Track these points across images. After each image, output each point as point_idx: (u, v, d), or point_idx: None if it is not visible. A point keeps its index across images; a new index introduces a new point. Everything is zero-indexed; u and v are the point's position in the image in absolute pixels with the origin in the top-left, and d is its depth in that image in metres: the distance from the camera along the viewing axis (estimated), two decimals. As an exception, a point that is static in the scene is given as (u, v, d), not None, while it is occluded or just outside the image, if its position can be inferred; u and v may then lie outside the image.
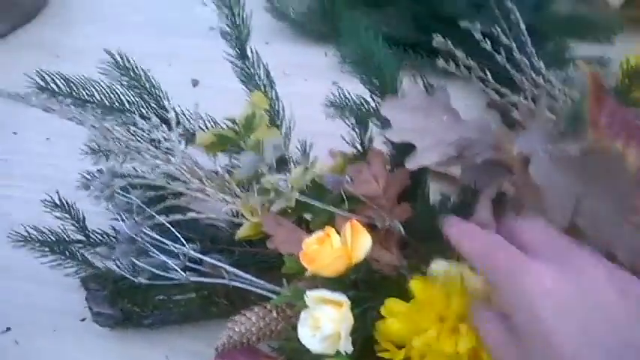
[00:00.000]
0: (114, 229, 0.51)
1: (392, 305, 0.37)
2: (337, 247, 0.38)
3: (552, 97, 0.59)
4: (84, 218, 0.52)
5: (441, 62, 0.56)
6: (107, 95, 0.49)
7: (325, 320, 0.36)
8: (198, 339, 0.50)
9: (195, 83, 0.70)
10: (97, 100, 0.49)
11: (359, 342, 0.38)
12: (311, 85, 0.69)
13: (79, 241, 0.51)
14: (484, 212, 0.40)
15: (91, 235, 0.51)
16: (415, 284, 0.37)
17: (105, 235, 0.51)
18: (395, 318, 0.36)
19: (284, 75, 0.68)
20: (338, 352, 0.37)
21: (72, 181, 0.54)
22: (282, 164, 0.49)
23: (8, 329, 0.54)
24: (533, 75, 0.59)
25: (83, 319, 0.53)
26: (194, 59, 0.71)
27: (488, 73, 0.57)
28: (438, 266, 0.39)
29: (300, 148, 0.52)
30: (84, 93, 0.48)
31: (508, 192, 0.41)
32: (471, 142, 0.42)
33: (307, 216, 0.45)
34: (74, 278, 0.51)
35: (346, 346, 0.36)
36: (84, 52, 0.73)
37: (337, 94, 0.51)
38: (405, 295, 0.37)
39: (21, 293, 0.56)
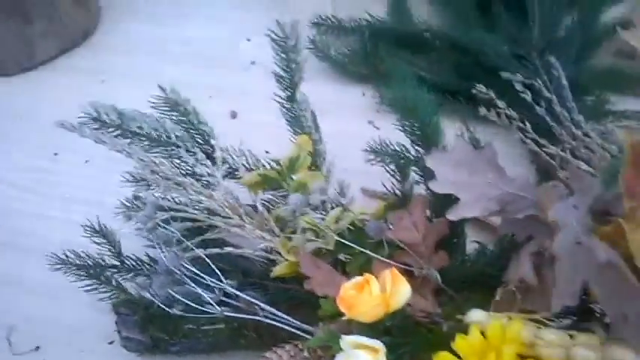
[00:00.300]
0: (148, 256, 0.53)
1: (442, 357, 0.37)
2: (376, 294, 0.39)
3: (590, 150, 0.60)
4: (119, 244, 0.53)
5: (482, 110, 0.57)
6: (155, 128, 0.52)
7: (360, 366, 0.37)
8: None
9: (233, 115, 0.72)
10: (146, 132, 0.51)
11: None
12: (347, 123, 0.71)
13: (114, 267, 0.53)
14: (525, 267, 0.41)
15: (126, 260, 0.53)
16: (460, 341, 0.37)
17: (139, 262, 0.53)
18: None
19: (321, 112, 0.70)
20: (371, 398, 0.37)
21: (109, 204, 0.57)
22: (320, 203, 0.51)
23: (37, 348, 0.55)
24: (573, 128, 0.60)
25: (111, 342, 0.54)
26: (234, 92, 0.74)
27: (527, 123, 0.59)
28: (475, 316, 0.40)
29: (337, 188, 0.53)
30: (133, 125, 0.50)
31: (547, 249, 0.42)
32: (513, 199, 0.43)
33: (342, 257, 0.47)
34: (106, 302, 0.53)
35: (380, 393, 0.37)
36: (129, 78, 0.77)
37: (377, 140, 0.53)
38: (440, 343, 0.38)
39: (52, 312, 0.57)
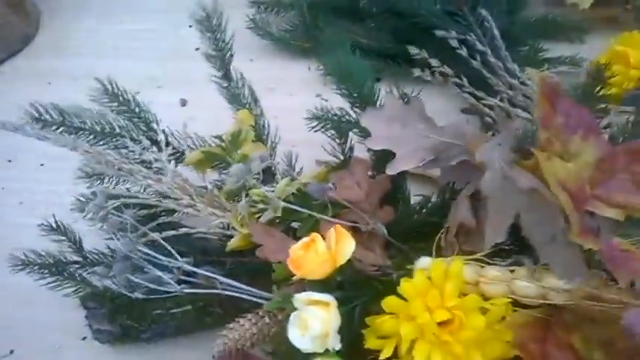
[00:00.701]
0: (110, 248, 0.54)
1: (390, 302, 0.39)
2: (322, 251, 0.41)
3: (527, 97, 0.62)
4: (80, 240, 0.54)
5: (416, 71, 0.60)
6: (98, 121, 0.52)
7: (313, 320, 0.39)
8: (195, 349, 0.53)
9: (183, 103, 0.73)
10: (89, 126, 0.52)
11: (347, 339, 0.41)
12: (295, 98, 0.72)
13: (77, 262, 0.54)
14: (463, 210, 0.43)
15: (88, 255, 0.54)
16: (405, 284, 0.39)
17: (101, 255, 0.54)
18: (390, 314, 0.39)
19: (269, 89, 0.72)
20: (327, 350, 0.40)
21: (67, 204, 0.58)
22: (269, 176, 0.52)
23: (12, 352, 0.56)
24: (508, 77, 0.62)
25: (84, 338, 0.55)
26: (182, 80, 0.75)
27: (464, 78, 0.61)
28: (422, 263, 0.42)
29: (285, 159, 0.55)
30: (76, 121, 0.51)
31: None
32: (446, 147, 0.45)
33: (295, 224, 0.48)
34: (73, 298, 0.54)
35: (334, 344, 0.39)
36: (76, 78, 0.77)
37: (320, 107, 0.55)
38: (391, 293, 0.40)
39: (22, 316, 0.58)
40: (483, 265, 0.41)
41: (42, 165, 0.70)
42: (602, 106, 0.60)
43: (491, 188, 0.40)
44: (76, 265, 0.53)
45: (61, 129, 0.51)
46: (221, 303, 0.50)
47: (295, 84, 0.74)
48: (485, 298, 0.40)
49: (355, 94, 0.51)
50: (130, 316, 0.52)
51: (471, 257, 0.41)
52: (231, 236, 0.49)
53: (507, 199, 0.39)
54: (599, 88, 0.48)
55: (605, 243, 0.39)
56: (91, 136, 0.52)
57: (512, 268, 0.41)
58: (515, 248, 0.42)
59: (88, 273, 0.53)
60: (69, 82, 0.77)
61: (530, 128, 0.44)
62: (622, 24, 0.70)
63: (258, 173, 0.46)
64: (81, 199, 0.56)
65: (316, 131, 0.54)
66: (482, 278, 0.41)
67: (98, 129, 0.52)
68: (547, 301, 0.39)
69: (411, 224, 0.48)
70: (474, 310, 0.38)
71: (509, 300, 0.39)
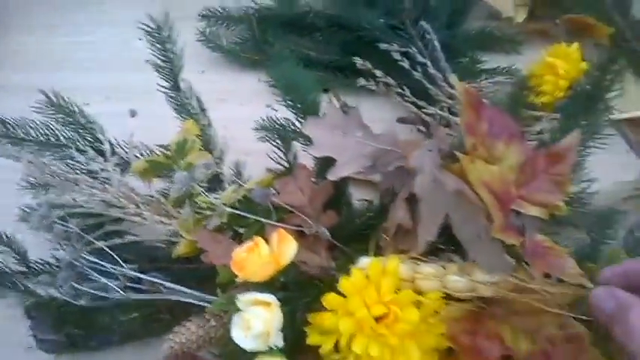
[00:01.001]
0: (55, 258, 0.54)
1: (330, 299, 0.41)
2: (264, 254, 0.43)
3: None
4: (25, 250, 0.54)
5: (360, 80, 0.63)
6: (43, 132, 0.53)
7: (255, 320, 0.40)
8: (143, 356, 0.53)
9: (133, 114, 0.74)
10: (34, 137, 0.52)
11: (290, 337, 0.42)
12: (246, 108, 0.74)
13: (21, 272, 0.54)
14: (400, 211, 0.46)
15: (33, 265, 0.54)
16: (344, 282, 0.41)
17: (46, 265, 0.54)
18: (331, 310, 0.41)
19: (220, 100, 0.73)
20: (270, 348, 0.41)
21: (12, 215, 0.57)
22: (217, 184, 0.54)
23: (-47, 365, 0.55)
24: (448, 87, 0.66)
25: (29, 347, 0.55)
26: (131, 91, 0.75)
27: (406, 89, 0.65)
28: (362, 263, 0.45)
29: (234, 168, 0.56)
30: (20, 132, 0.51)
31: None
32: (382, 154, 0.48)
33: (242, 230, 0.50)
34: (16, 309, 0.54)
35: (277, 341, 0.41)
36: (22, 91, 0.76)
37: (266, 118, 0.57)
38: (331, 292, 0.42)
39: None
40: (418, 262, 0.44)
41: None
42: (535, 113, 0.65)
43: (423, 191, 0.43)
44: (21, 275, 0.53)
45: (4, 140, 0.51)
46: (169, 309, 0.51)
47: (246, 95, 0.76)
48: (421, 294, 0.42)
49: (299, 105, 0.53)
50: (76, 325, 0.52)
51: (406, 256, 0.44)
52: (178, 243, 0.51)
53: (437, 201, 0.42)
54: (526, 95, 0.52)
55: (529, 239, 0.42)
56: (36, 147, 0.52)
57: (444, 264, 0.44)
58: (448, 247, 0.45)
59: (33, 283, 0.53)
60: (14, 94, 0.76)
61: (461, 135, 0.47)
62: (553, 37, 0.75)
63: (205, 181, 0.48)
64: (25, 209, 0.55)
65: (265, 141, 0.56)
66: (417, 275, 0.43)
67: (43, 140, 0.52)
68: (477, 295, 0.42)
69: (353, 227, 0.50)
70: (409, 305, 0.40)
71: (442, 295, 0.42)
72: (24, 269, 0.54)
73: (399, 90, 0.64)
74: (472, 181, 0.39)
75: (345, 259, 0.48)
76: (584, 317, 0.41)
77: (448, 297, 0.43)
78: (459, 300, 0.42)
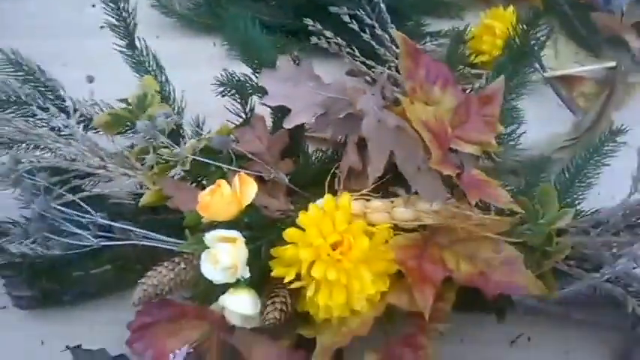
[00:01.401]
0: (24, 217, 0.56)
1: (290, 233, 0.45)
2: (227, 194, 0.46)
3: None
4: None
5: (313, 39, 0.66)
6: (3, 90, 0.54)
7: (222, 254, 0.44)
8: (118, 309, 0.55)
9: (90, 80, 0.75)
10: (-9, 94, 0.54)
11: (255, 273, 0.46)
12: (202, 73, 0.76)
13: (-11, 233, 0.55)
14: (351, 155, 0.50)
15: (1, 225, 0.56)
16: (302, 216, 0.46)
17: (15, 223, 0.56)
18: (292, 243, 0.45)
19: (175, 66, 0.75)
20: (238, 281, 0.45)
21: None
22: (177, 138, 0.56)
23: None
24: (394, 48, 0.70)
25: (4, 307, 0.57)
26: (88, 57, 0.76)
27: (356, 50, 0.69)
28: (319, 203, 0.49)
29: (193, 123, 0.59)
30: (-23, 89, 0.53)
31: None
32: (333, 102, 0.52)
33: (204, 182, 0.53)
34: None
35: (244, 273, 0.45)
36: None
37: (225, 74, 0.60)
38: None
39: None
40: (369, 199, 0.49)
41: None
42: (476, 71, 0.71)
43: (370, 131, 0.47)
44: (-11, 235, 0.55)
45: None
46: (140, 259, 0.54)
47: (202, 60, 0.78)
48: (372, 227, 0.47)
49: (256, 60, 0.57)
50: (49, 280, 0.55)
51: (357, 193, 0.48)
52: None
53: (383, 140, 0.47)
54: (461, 48, 0.57)
55: (466, 173, 0.48)
56: (-5, 105, 0.54)
57: (392, 199, 0.49)
58: (394, 184, 0.50)
59: (3, 242, 0.55)
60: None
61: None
62: (492, 2, 0.81)
63: (166, 131, 0.50)
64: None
65: (223, 96, 0.59)
66: (367, 210, 0.48)
67: (3, 97, 0.54)
68: (421, 224, 0.47)
69: (309, 173, 0.54)
70: (360, 234, 0.45)
71: (391, 225, 0.47)
72: (-9, 229, 0.56)
73: (349, 50, 0.68)
74: (411, 119, 0.44)
75: (302, 203, 0.52)
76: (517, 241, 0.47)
77: (396, 229, 0.48)
78: (406, 230, 0.48)
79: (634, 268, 0.50)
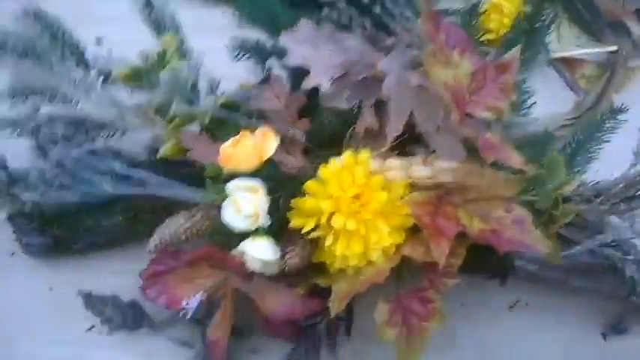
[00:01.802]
0: (36, 168, 0.57)
1: (310, 185, 0.47)
2: (249, 145, 0.48)
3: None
4: (4, 157, 0.56)
5: (325, 10, 0.68)
6: (21, 42, 0.55)
7: (245, 202, 0.46)
8: (128, 259, 0.56)
9: (99, 41, 0.76)
10: (12, 46, 0.54)
11: (274, 224, 0.48)
12: (213, 40, 0.77)
13: (2, 181, 0.56)
14: (368, 116, 0.52)
15: (13, 173, 0.56)
16: (323, 169, 0.48)
17: (27, 172, 0.56)
18: (311, 195, 0.47)
19: (187, 35, 0.76)
20: (258, 229, 0.47)
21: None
22: (194, 98, 0.58)
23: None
24: (405, 23, 0.73)
25: (13, 254, 0.58)
26: (96, 19, 0.77)
27: (368, 22, 0.71)
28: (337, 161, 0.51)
29: (208, 86, 0.61)
30: (-2, 41, 0.54)
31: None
32: (352, 64, 0.54)
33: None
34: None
35: (264, 221, 0.46)
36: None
37: (238, 40, 0.61)
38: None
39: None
40: (386, 158, 0.51)
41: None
42: (484, 49, 0.73)
43: (391, 91, 0.49)
44: (2, 183, 0.56)
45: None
46: (153, 209, 0.55)
47: (212, 29, 0.79)
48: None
49: (273, 26, 0.58)
50: (61, 227, 0.55)
51: (376, 150, 0.50)
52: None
53: (403, 100, 0.49)
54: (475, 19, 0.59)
55: (481, 136, 0.50)
56: (15, 56, 0.54)
57: (409, 158, 0.51)
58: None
59: (17, 188, 0.56)
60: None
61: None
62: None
63: (187, 85, 0.52)
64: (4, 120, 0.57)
65: (237, 61, 0.60)
66: (384, 167, 0.50)
67: (22, 49, 0.54)
68: (438, 182, 0.49)
69: (325, 133, 0.56)
70: (379, 188, 0.47)
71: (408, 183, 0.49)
72: (4, 178, 0.56)
73: (361, 21, 0.70)
74: (433, 78, 0.46)
75: (319, 162, 0.54)
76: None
77: (412, 187, 0.50)
78: (422, 189, 0.49)
79: (631, 238, 0.53)
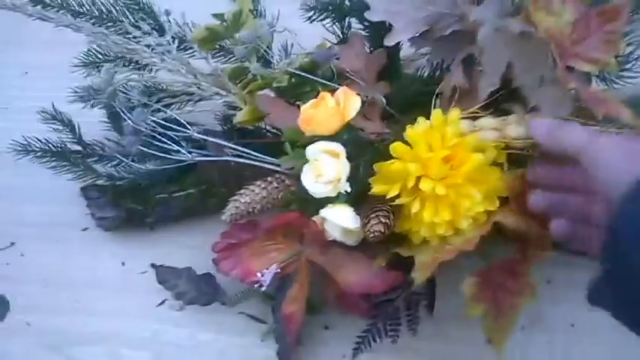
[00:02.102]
0: (109, 140, 0.57)
1: (397, 147, 0.44)
2: (331, 106, 0.46)
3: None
4: (80, 128, 0.57)
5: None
6: (97, 6, 0.55)
7: (326, 167, 0.44)
8: (199, 233, 0.55)
9: (167, 13, 0.75)
10: (88, 10, 0.54)
11: (353, 191, 0.46)
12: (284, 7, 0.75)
13: (77, 152, 0.57)
14: (457, 73, 0.49)
15: (87, 146, 0.57)
16: (410, 131, 0.45)
17: (100, 145, 0.57)
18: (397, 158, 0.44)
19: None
20: (338, 195, 0.45)
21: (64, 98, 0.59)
22: (266, 63, 0.56)
23: (12, 244, 0.59)
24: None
25: (85, 229, 0.59)
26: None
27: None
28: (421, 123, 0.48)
29: (281, 50, 0.59)
30: (75, 4, 0.53)
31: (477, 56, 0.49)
32: (439, 18, 0.50)
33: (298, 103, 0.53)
34: (72, 192, 0.57)
35: (345, 187, 0.44)
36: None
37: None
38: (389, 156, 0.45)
39: (23, 211, 0.61)
40: (476, 117, 0.47)
41: (26, 73, 0.71)
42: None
43: (486, 41, 0.45)
44: (77, 155, 0.56)
45: (60, 12, 0.53)
46: (226, 182, 0.54)
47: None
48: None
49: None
50: (133, 201, 0.55)
51: (467, 110, 0.47)
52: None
53: (500, 50, 0.45)
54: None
55: (586, 89, 0.46)
56: (91, 21, 0.54)
57: (503, 117, 0.47)
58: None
59: (92, 160, 0.56)
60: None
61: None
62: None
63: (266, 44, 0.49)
64: (78, 90, 0.58)
65: (312, 21, 0.58)
66: (476, 127, 0.46)
67: (97, 13, 0.54)
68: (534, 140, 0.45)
69: (406, 95, 0.53)
70: (471, 150, 0.44)
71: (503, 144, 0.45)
72: (79, 148, 0.57)
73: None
74: (537, 24, 0.42)
75: (399, 128, 0.51)
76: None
77: (506, 148, 0.46)
78: (517, 149, 0.46)
79: None
